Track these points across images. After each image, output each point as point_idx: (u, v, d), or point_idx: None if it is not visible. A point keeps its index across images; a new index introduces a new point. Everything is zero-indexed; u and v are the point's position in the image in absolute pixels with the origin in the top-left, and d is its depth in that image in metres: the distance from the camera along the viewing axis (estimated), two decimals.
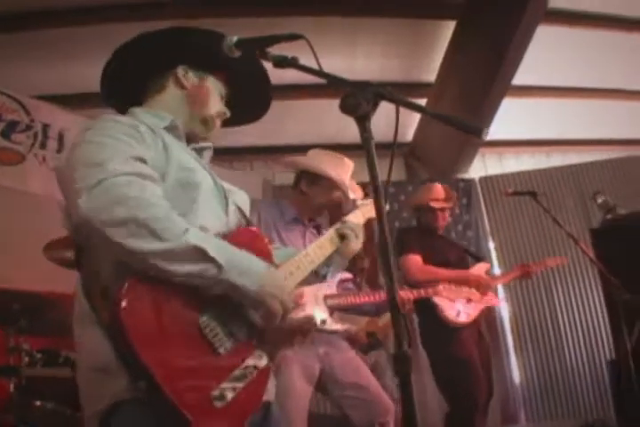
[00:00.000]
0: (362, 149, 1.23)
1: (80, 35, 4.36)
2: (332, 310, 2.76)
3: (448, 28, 4.96)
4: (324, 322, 2.67)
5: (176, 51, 1.66)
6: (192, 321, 1.34)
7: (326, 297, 2.71)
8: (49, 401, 2.80)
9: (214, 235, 1.46)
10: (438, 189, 4.02)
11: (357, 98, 1.24)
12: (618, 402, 4.36)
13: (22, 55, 4.43)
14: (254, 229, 1.66)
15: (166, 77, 1.67)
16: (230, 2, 4.42)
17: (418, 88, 5.61)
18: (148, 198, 1.31)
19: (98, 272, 1.36)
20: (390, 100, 1.24)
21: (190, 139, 1.69)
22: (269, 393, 1.54)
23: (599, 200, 4.35)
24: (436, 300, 3.51)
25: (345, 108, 1.24)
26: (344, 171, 2.82)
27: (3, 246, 3.63)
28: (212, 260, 1.32)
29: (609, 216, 4.31)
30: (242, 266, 1.38)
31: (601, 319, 5.63)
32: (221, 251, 1.35)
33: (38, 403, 2.80)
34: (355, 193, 2.83)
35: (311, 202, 2.86)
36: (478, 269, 3.92)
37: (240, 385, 1.36)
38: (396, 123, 1.21)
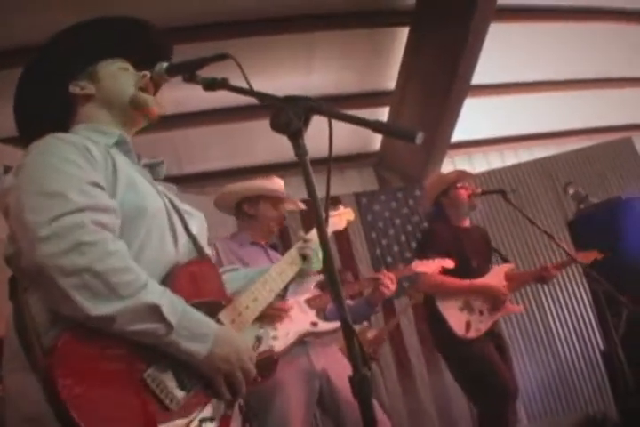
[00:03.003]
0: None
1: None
2: (318, 310, 2.71)
3: (402, 35, 4.96)
4: (315, 324, 2.61)
5: (54, 76, 1.54)
6: (136, 377, 1.19)
7: (308, 301, 2.69)
8: None
9: (161, 270, 1.35)
10: (450, 174, 3.74)
11: (288, 114, 1.17)
12: (616, 393, 4.32)
13: None
14: (205, 260, 1.52)
15: (72, 102, 1.55)
16: (183, 27, 4.35)
17: (379, 97, 5.60)
18: (105, 245, 1.20)
19: (32, 314, 1.21)
20: (321, 112, 1.18)
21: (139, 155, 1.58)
22: None
23: (571, 191, 4.35)
24: (444, 313, 3.31)
25: (276, 127, 1.18)
26: (278, 185, 2.87)
27: None
28: (163, 319, 1.21)
29: (582, 206, 4.30)
30: (193, 328, 1.26)
31: (589, 311, 5.60)
32: (174, 309, 1.24)
33: None
34: (297, 205, 2.90)
35: (261, 222, 2.85)
36: (499, 270, 3.56)
37: None
38: (329, 135, 1.16)
